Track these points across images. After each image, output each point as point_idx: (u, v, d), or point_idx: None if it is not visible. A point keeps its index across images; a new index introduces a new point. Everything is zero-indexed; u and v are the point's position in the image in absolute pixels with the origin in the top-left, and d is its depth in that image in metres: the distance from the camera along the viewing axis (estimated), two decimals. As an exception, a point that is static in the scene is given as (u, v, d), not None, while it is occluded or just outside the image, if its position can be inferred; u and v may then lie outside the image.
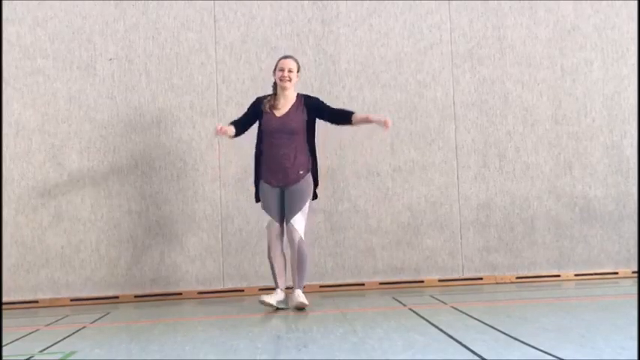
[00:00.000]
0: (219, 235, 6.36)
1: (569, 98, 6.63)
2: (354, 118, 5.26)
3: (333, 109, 5.36)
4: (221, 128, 5.19)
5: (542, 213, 6.53)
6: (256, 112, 5.33)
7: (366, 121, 5.27)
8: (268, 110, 5.27)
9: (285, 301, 5.22)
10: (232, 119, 5.45)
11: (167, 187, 6.36)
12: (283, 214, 5.24)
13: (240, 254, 6.34)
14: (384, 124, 5.17)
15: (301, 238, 5.17)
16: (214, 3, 6.50)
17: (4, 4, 6.38)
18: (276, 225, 5.22)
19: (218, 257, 6.34)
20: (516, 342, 3.49)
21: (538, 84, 6.62)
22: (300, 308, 5.08)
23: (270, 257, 5.25)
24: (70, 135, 6.35)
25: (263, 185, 5.27)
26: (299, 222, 5.17)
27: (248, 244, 6.34)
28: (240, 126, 5.33)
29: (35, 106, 6.35)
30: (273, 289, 5.29)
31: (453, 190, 6.51)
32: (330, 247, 6.37)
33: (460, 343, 3.52)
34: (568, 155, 6.59)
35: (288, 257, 5.29)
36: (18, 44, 6.37)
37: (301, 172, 5.22)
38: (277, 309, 5.13)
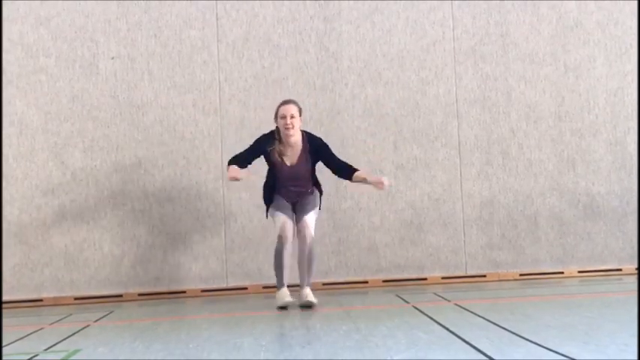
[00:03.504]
0: (223, 234, 6.36)
1: (573, 95, 6.61)
2: (355, 176, 5.22)
3: (338, 162, 5.29)
4: (234, 176, 5.14)
5: (545, 210, 6.52)
6: (261, 153, 5.28)
7: (365, 181, 5.23)
8: (278, 159, 5.24)
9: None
10: (234, 153, 5.35)
11: (170, 185, 6.36)
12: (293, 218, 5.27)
13: (243, 252, 6.35)
14: (379, 185, 5.14)
15: (312, 236, 5.20)
16: (216, 1, 6.50)
17: (7, 3, 6.38)
18: (290, 224, 5.17)
19: (221, 255, 6.35)
20: (520, 339, 3.48)
21: (541, 80, 6.61)
22: (308, 306, 5.08)
23: (281, 258, 5.17)
24: (73, 134, 6.35)
25: (277, 195, 5.27)
26: (311, 220, 5.22)
27: (251, 242, 6.34)
28: (243, 162, 5.27)
29: (38, 105, 6.36)
30: (275, 287, 5.28)
31: (456, 188, 6.50)
32: (333, 245, 6.37)
33: (464, 340, 3.51)
34: (571, 152, 6.58)
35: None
36: (21, 43, 6.38)
37: (310, 191, 5.34)
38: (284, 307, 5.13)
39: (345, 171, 5.28)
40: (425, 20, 6.58)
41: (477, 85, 6.58)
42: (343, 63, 6.52)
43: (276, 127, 5.29)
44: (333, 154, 5.32)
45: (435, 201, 6.48)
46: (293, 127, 5.18)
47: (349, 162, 5.21)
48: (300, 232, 5.19)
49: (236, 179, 5.16)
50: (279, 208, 5.24)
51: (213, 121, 6.40)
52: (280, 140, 5.25)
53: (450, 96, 6.55)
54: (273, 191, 5.31)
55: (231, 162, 5.27)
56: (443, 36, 6.58)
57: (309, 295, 5.11)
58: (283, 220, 5.17)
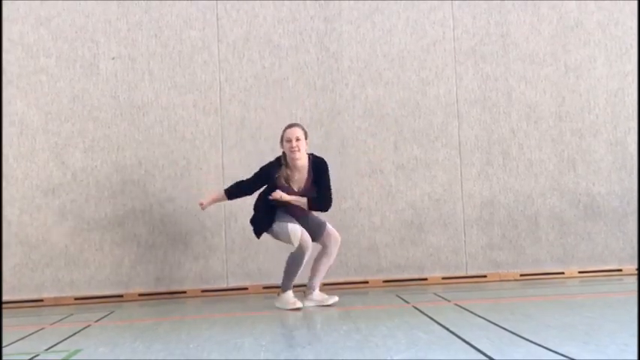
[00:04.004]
0: (223, 234, 6.36)
1: (573, 95, 6.61)
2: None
3: (323, 188, 5.25)
4: (202, 203, 5.39)
5: (545, 210, 6.52)
6: (265, 181, 5.25)
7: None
8: (285, 185, 5.19)
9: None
10: (237, 180, 5.43)
11: (170, 185, 6.37)
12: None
13: (243, 252, 6.35)
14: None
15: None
16: (217, 2, 6.50)
17: (7, 3, 6.39)
18: (307, 233, 5.11)
19: (222, 255, 6.35)
20: (520, 339, 3.48)
21: (541, 81, 6.61)
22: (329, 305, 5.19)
23: (301, 264, 5.11)
24: (73, 134, 6.36)
25: (281, 213, 5.20)
26: (332, 227, 5.33)
27: (251, 242, 6.32)
28: (243, 189, 5.33)
29: (38, 105, 6.36)
30: (278, 287, 5.29)
31: (456, 188, 6.50)
32: (333, 245, 6.37)
33: (464, 340, 3.52)
34: (572, 152, 6.58)
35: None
36: (21, 43, 6.38)
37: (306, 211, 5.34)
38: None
39: (315, 203, 5.22)
40: (425, 20, 6.58)
41: (478, 85, 6.58)
42: (344, 63, 6.52)
43: (283, 152, 5.24)
44: (325, 179, 5.25)
45: (435, 201, 6.48)
46: (299, 150, 5.12)
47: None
48: (332, 238, 5.27)
49: (203, 206, 5.41)
50: (288, 220, 5.12)
51: (213, 122, 6.40)
52: (287, 165, 5.20)
53: (450, 96, 6.55)
54: (271, 211, 5.20)
55: (231, 188, 5.35)
56: (443, 36, 6.58)
57: (326, 297, 5.23)
58: (300, 230, 5.07)
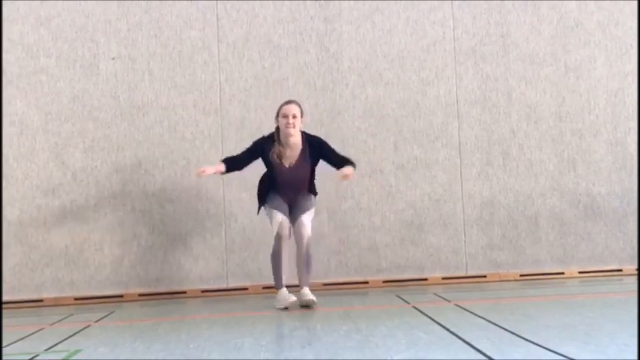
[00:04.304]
0: (223, 234, 6.36)
1: (573, 95, 6.61)
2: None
3: (339, 157, 5.28)
4: (203, 170, 5.27)
5: (545, 210, 6.52)
6: (258, 155, 5.32)
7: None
8: (277, 160, 5.26)
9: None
10: (231, 154, 5.49)
11: (170, 185, 6.36)
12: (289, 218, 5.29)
13: (243, 252, 6.35)
14: (343, 177, 5.17)
15: (309, 235, 5.21)
16: (217, 2, 6.50)
17: (7, 3, 6.39)
18: (286, 223, 5.19)
19: (222, 256, 6.35)
20: (520, 339, 3.48)
21: (541, 81, 6.61)
22: (308, 305, 5.08)
23: (279, 257, 5.18)
24: (73, 134, 6.36)
25: (273, 194, 5.28)
26: (308, 219, 5.24)
27: (251, 242, 6.34)
28: (238, 163, 5.36)
29: (38, 105, 6.36)
30: (274, 287, 5.30)
31: (456, 188, 6.50)
32: (333, 246, 6.37)
33: (464, 340, 3.52)
34: (572, 152, 6.58)
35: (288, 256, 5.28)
36: (21, 43, 6.38)
37: (305, 193, 5.37)
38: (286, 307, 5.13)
39: (342, 164, 5.24)
40: (425, 20, 6.58)
41: (478, 85, 6.58)
42: (344, 63, 6.52)
43: (276, 127, 5.31)
44: (333, 150, 5.33)
45: (435, 201, 6.48)
46: (294, 127, 5.21)
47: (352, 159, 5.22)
48: (297, 231, 5.21)
49: (203, 173, 5.25)
50: (275, 207, 5.25)
51: (213, 122, 6.40)
52: (280, 141, 5.26)
53: (450, 96, 6.55)
54: (270, 190, 5.33)
55: (227, 159, 5.36)
56: (443, 36, 6.58)
57: (308, 294, 5.11)
58: (280, 219, 5.18)
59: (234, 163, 5.36)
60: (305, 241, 5.18)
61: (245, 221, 6.35)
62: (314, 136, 5.39)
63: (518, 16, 6.63)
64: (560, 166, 6.57)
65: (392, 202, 6.44)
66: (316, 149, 5.30)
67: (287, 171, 5.26)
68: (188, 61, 6.45)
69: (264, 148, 5.30)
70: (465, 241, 6.48)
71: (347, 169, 5.12)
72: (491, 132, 6.56)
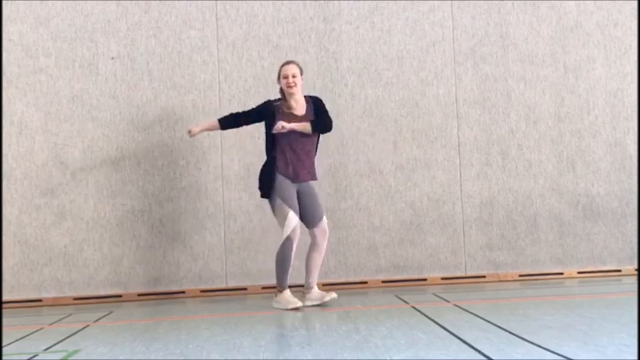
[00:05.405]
0: (222, 234, 6.36)
1: (572, 96, 6.62)
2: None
3: (323, 116, 5.38)
4: (192, 130, 5.50)
5: (545, 211, 6.52)
6: (264, 114, 5.37)
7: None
8: (287, 111, 5.31)
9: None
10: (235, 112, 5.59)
11: (170, 185, 6.36)
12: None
13: (243, 252, 6.35)
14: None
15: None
16: (216, 2, 6.50)
17: (7, 3, 6.38)
18: (299, 225, 5.19)
19: (221, 256, 6.35)
20: (519, 340, 3.48)
21: (541, 81, 6.61)
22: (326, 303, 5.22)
23: (288, 261, 5.18)
24: (72, 134, 6.35)
25: (281, 179, 5.24)
26: (325, 224, 5.34)
27: (251, 242, 6.34)
28: (241, 119, 5.47)
29: (38, 105, 6.36)
30: (275, 287, 5.31)
31: (455, 188, 6.50)
32: (332, 245, 6.36)
33: (463, 341, 3.52)
34: (571, 153, 6.58)
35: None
36: (20, 43, 6.38)
37: (311, 173, 5.35)
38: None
39: (317, 124, 5.32)
40: (425, 21, 6.58)
41: (477, 85, 6.58)
42: (343, 63, 6.52)
43: (280, 89, 5.42)
44: (325, 111, 5.40)
45: (434, 201, 6.48)
46: (295, 86, 5.31)
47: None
48: (319, 235, 5.29)
49: (191, 134, 5.52)
50: (286, 200, 5.18)
51: (212, 122, 6.39)
52: (285, 99, 5.38)
53: (449, 96, 6.55)
54: (275, 172, 5.24)
55: (226, 117, 5.49)
56: (442, 36, 6.59)
57: (325, 293, 5.26)
58: (295, 223, 5.15)
59: (236, 120, 5.47)
60: (326, 245, 5.34)
61: (244, 221, 6.35)
62: (316, 97, 5.51)
63: (517, 16, 6.63)
64: (560, 166, 6.57)
65: (391, 202, 6.44)
66: (317, 106, 5.40)
67: (298, 119, 5.26)
68: (187, 61, 6.45)
69: (271, 105, 5.36)
70: (464, 242, 6.48)
71: (287, 124, 5.19)
72: (491, 132, 6.56)
